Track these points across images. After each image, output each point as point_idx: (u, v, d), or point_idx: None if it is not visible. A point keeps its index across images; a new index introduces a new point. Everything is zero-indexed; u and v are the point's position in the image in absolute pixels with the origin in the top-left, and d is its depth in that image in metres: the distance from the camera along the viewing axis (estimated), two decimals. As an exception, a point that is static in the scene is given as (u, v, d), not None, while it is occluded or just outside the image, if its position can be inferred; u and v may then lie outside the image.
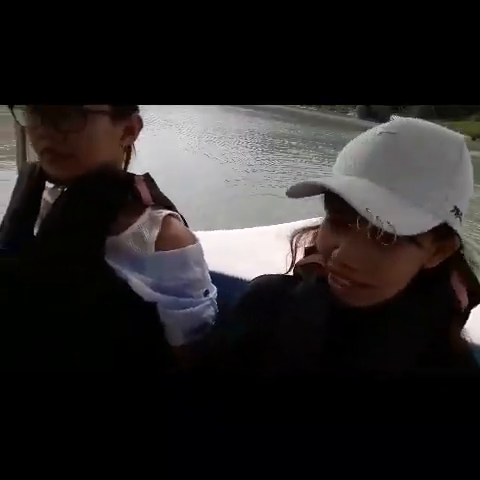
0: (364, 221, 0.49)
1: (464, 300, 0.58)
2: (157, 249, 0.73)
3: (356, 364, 0.56)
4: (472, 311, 0.58)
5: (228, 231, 1.60)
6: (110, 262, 0.69)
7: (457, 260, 0.58)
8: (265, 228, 1.71)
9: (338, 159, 0.58)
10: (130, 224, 0.73)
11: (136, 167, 0.83)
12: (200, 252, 0.78)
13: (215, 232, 1.50)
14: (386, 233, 0.48)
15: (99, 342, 0.69)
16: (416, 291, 0.57)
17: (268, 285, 0.72)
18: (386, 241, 0.49)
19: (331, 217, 0.56)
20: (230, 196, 6.75)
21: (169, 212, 0.77)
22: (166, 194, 0.81)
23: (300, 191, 0.54)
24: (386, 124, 0.54)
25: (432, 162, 0.51)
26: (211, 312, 0.79)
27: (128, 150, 0.81)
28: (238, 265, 1.04)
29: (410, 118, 0.55)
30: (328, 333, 0.59)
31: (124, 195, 0.73)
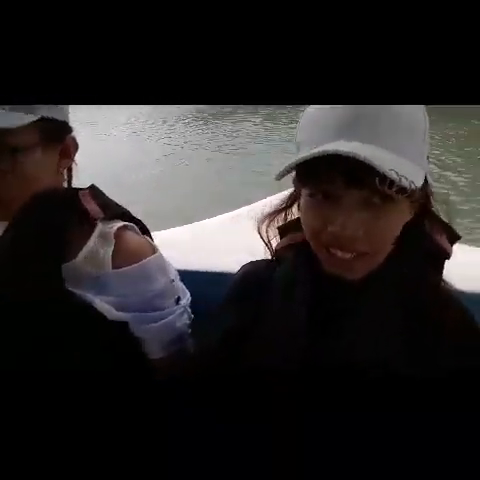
0: (362, 184, 0.50)
1: (448, 247, 0.59)
2: (115, 267, 0.69)
3: (347, 339, 0.56)
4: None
5: (201, 223, 1.51)
6: (71, 288, 0.66)
7: (429, 209, 0.59)
8: (237, 211, 1.63)
9: (300, 132, 0.56)
10: (83, 245, 0.69)
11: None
12: (161, 261, 0.74)
13: (187, 227, 1.43)
14: (397, 190, 0.48)
15: (72, 369, 0.65)
16: (399, 250, 0.57)
17: (254, 273, 0.71)
18: (389, 199, 0.50)
19: (318, 191, 0.54)
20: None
21: (120, 225, 0.73)
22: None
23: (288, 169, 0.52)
24: None
25: (411, 118, 0.53)
26: (185, 319, 0.77)
27: (68, 168, 0.77)
28: (222, 259, 1.00)
29: None
30: (315, 313, 0.59)
31: (70, 213, 0.69)
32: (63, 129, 0.71)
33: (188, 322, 0.78)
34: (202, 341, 0.72)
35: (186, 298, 0.79)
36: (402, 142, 0.51)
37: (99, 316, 0.67)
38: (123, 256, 0.70)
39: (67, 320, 0.66)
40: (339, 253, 0.55)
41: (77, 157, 0.76)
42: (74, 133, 0.73)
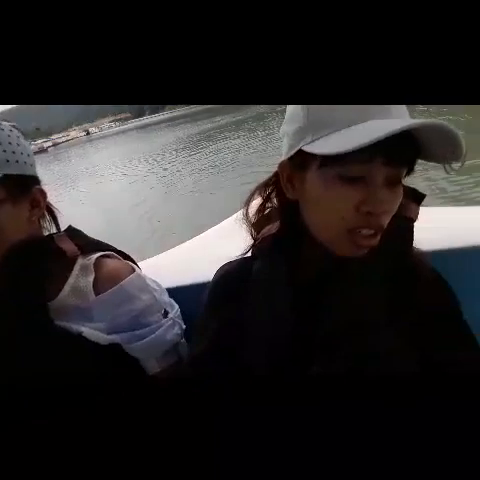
0: (401, 161, 0.54)
1: (412, 209, 0.63)
2: (97, 293, 0.73)
3: (333, 317, 0.58)
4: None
5: (186, 244, 1.53)
6: (59, 324, 0.70)
7: None
8: (220, 225, 1.62)
9: (315, 119, 0.56)
10: (65, 282, 0.73)
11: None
12: (140, 280, 0.77)
13: (174, 250, 1.45)
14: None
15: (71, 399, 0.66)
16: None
17: (232, 272, 0.72)
18: (399, 180, 0.55)
19: (354, 171, 0.54)
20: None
21: (99, 254, 0.77)
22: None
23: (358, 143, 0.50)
24: None
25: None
26: (176, 331, 0.79)
27: (50, 211, 0.81)
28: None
29: None
30: (298, 299, 0.61)
31: (46, 257, 0.74)
32: (29, 182, 0.74)
33: (180, 332, 0.80)
34: (191, 350, 0.73)
35: (174, 311, 0.81)
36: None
37: (89, 344, 0.70)
38: (102, 282, 0.74)
39: (57, 353, 0.69)
40: (364, 231, 0.56)
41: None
42: (42, 184, 0.77)
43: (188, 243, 1.51)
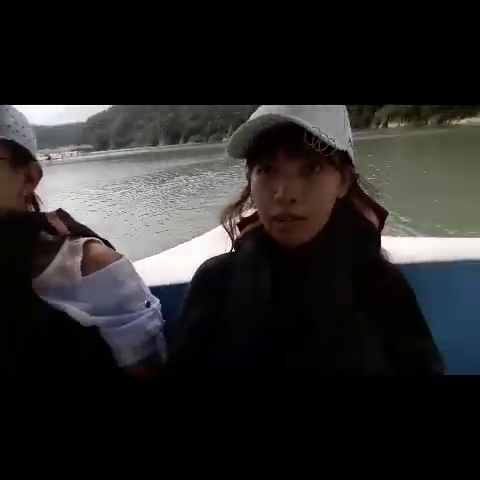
0: (298, 152, 0.61)
1: (374, 219, 0.73)
2: (84, 274, 0.73)
3: (303, 301, 0.64)
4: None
5: (168, 251, 1.57)
6: (43, 299, 0.70)
7: (357, 189, 0.72)
8: (204, 236, 1.70)
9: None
10: (51, 259, 0.73)
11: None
12: (129, 266, 0.79)
13: (157, 255, 1.47)
14: (324, 150, 0.59)
15: (45, 375, 0.68)
16: (335, 221, 0.68)
17: (215, 266, 0.76)
18: (321, 169, 0.62)
19: (263, 166, 0.64)
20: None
21: (88, 238, 0.78)
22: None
23: (238, 143, 0.64)
24: None
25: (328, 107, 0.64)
26: (157, 323, 0.79)
27: (33, 200, 0.81)
28: None
29: None
30: (273, 282, 0.66)
31: (37, 231, 0.74)
32: (30, 156, 0.77)
33: (160, 325, 0.80)
34: (173, 340, 0.75)
35: (156, 303, 0.82)
36: (319, 114, 0.61)
37: (72, 322, 0.70)
38: (91, 264, 0.75)
39: (38, 327, 0.69)
40: (281, 217, 0.64)
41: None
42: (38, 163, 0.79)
43: (170, 250, 1.55)
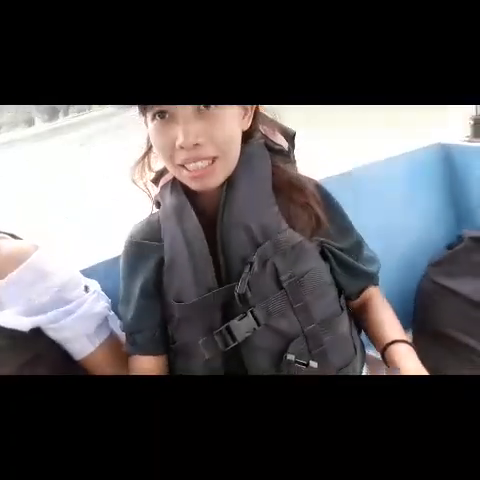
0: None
1: (282, 140, 0.75)
2: (3, 277, 0.66)
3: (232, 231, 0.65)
4: None
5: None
6: None
7: (260, 116, 0.71)
8: None
9: None
10: None
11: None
12: (47, 256, 0.71)
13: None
14: None
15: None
16: (246, 152, 0.68)
17: (137, 233, 0.74)
18: (217, 107, 0.59)
19: (156, 112, 0.61)
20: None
21: None
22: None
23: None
24: None
25: None
26: (103, 304, 0.76)
27: None
28: None
29: None
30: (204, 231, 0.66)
31: None
32: None
33: (107, 305, 0.77)
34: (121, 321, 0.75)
35: (94, 284, 0.78)
36: None
37: (6, 332, 0.64)
38: (6, 264, 0.67)
39: None
40: (192, 165, 0.62)
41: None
42: None
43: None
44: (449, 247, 1.16)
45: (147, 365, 0.73)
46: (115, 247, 0.80)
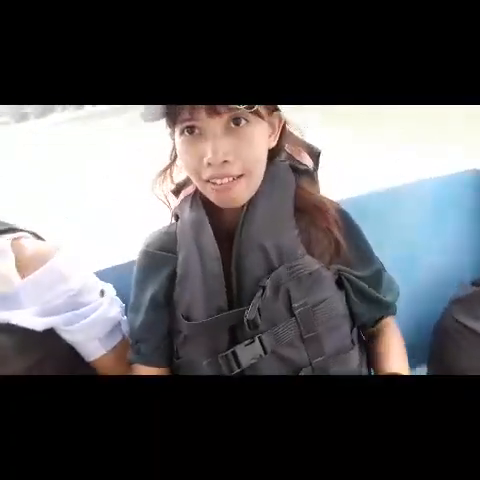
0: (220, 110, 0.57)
1: (307, 159, 0.73)
2: (22, 276, 0.66)
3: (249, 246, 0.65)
4: None
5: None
6: None
7: (287, 134, 0.71)
8: None
9: None
10: None
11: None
12: (69, 259, 0.72)
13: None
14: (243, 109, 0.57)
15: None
16: (270, 170, 0.68)
17: (153, 243, 0.73)
18: (245, 122, 0.60)
19: (185, 127, 0.61)
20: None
21: (12, 236, 0.69)
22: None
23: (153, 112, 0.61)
24: None
25: None
26: (117, 308, 0.76)
27: None
28: None
29: None
30: (220, 248, 0.65)
31: None
32: None
33: (120, 310, 0.77)
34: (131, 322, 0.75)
35: (110, 288, 0.79)
36: None
37: (20, 332, 0.64)
38: (28, 264, 0.67)
39: None
40: (219, 181, 0.61)
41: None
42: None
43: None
44: (475, 284, 1.05)
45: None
46: (115, 247, 0.80)
